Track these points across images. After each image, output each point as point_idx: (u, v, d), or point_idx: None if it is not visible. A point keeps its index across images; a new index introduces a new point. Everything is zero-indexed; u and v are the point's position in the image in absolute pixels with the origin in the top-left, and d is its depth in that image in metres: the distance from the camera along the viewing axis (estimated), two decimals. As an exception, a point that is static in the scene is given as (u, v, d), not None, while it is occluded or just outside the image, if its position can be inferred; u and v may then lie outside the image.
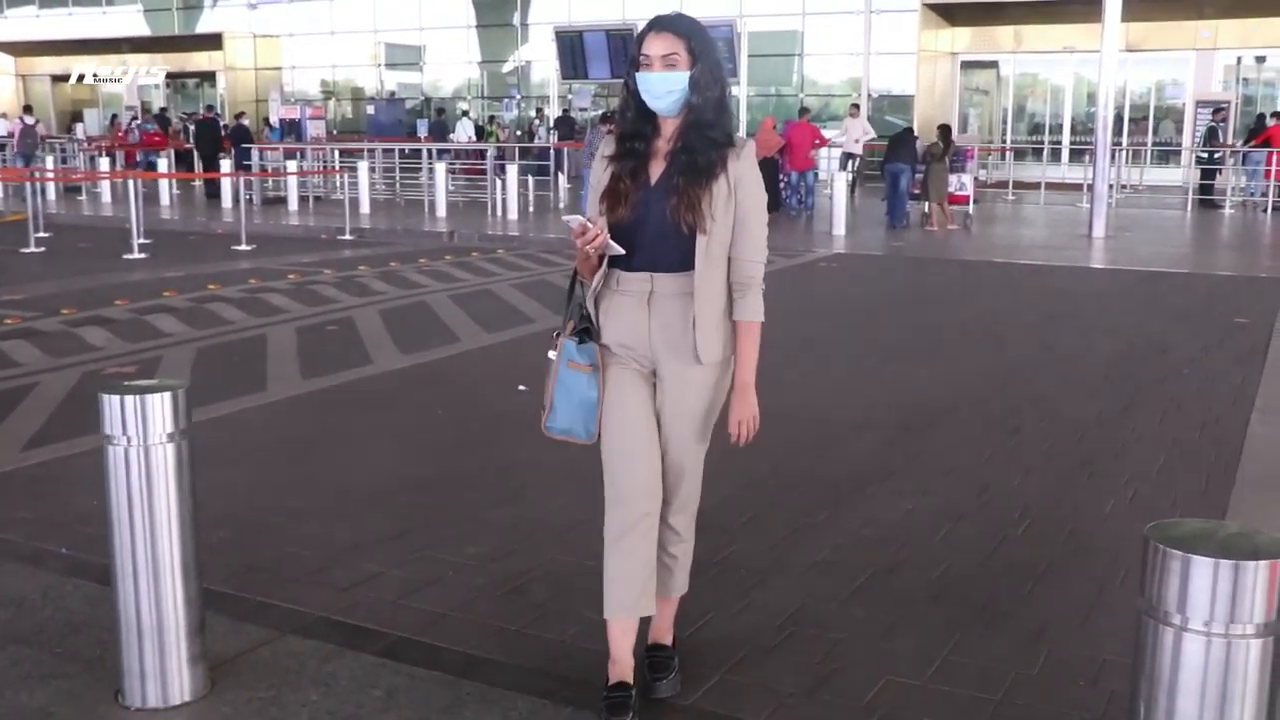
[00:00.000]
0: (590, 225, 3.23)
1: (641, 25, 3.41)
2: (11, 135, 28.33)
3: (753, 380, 3.43)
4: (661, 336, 3.35)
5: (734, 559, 4.72)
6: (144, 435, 3.31)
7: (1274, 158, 21.64)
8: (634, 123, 3.36)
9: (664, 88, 3.26)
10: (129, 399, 3.31)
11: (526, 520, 5.17)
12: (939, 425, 6.84)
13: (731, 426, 3.43)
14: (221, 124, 28.02)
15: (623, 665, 3.42)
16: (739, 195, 3.32)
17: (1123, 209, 21.49)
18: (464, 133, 29.51)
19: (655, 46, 3.26)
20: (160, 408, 3.32)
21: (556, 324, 3.52)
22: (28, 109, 31.76)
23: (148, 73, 39.82)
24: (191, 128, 30.01)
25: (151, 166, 24.87)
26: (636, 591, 3.37)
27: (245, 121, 27.97)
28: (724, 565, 4.64)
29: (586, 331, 3.38)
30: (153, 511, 3.35)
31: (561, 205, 22.82)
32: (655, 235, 3.30)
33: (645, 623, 3.57)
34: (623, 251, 3.28)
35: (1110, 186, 19.20)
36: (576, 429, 3.40)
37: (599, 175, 3.41)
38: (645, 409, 3.39)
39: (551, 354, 3.41)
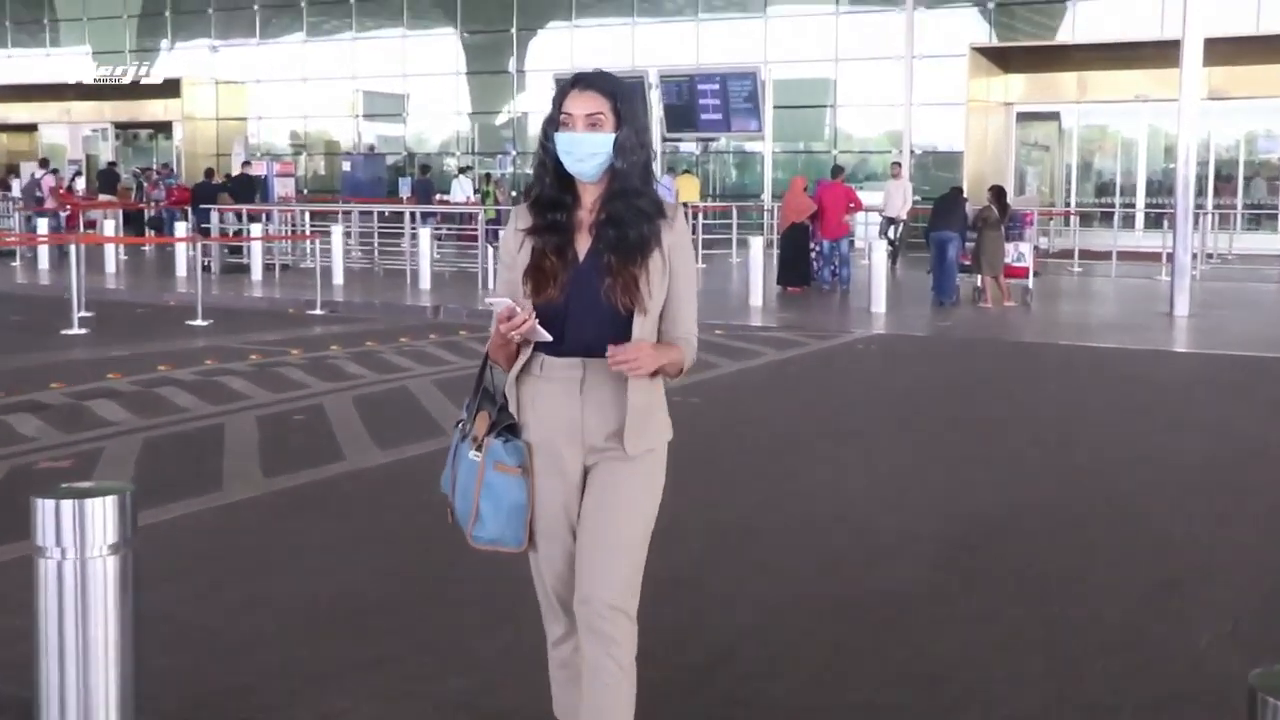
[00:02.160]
0: (518, 310, 3.27)
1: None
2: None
3: (668, 359, 3.37)
4: (596, 426, 3.41)
5: (759, 701, 4.66)
6: (81, 547, 3.30)
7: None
8: (553, 190, 3.40)
9: (588, 149, 3.32)
10: (65, 504, 3.30)
11: (518, 647, 5.10)
12: (999, 539, 6.81)
13: (623, 350, 3.27)
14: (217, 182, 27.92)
15: None
16: (674, 265, 3.40)
17: (1209, 282, 21.54)
18: (461, 192, 29.64)
19: (577, 105, 3.33)
20: (101, 515, 3.32)
21: None
22: (43, 162, 31.98)
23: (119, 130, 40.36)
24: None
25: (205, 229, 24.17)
26: (578, 696, 3.60)
27: (251, 170, 28.40)
28: (749, 707, 4.58)
29: (511, 428, 3.44)
30: (87, 637, 3.33)
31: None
32: (587, 317, 3.37)
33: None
34: (550, 338, 3.33)
35: (1194, 256, 19.25)
36: (506, 537, 3.47)
37: (512, 250, 3.46)
38: (572, 513, 3.47)
39: (474, 455, 3.43)
